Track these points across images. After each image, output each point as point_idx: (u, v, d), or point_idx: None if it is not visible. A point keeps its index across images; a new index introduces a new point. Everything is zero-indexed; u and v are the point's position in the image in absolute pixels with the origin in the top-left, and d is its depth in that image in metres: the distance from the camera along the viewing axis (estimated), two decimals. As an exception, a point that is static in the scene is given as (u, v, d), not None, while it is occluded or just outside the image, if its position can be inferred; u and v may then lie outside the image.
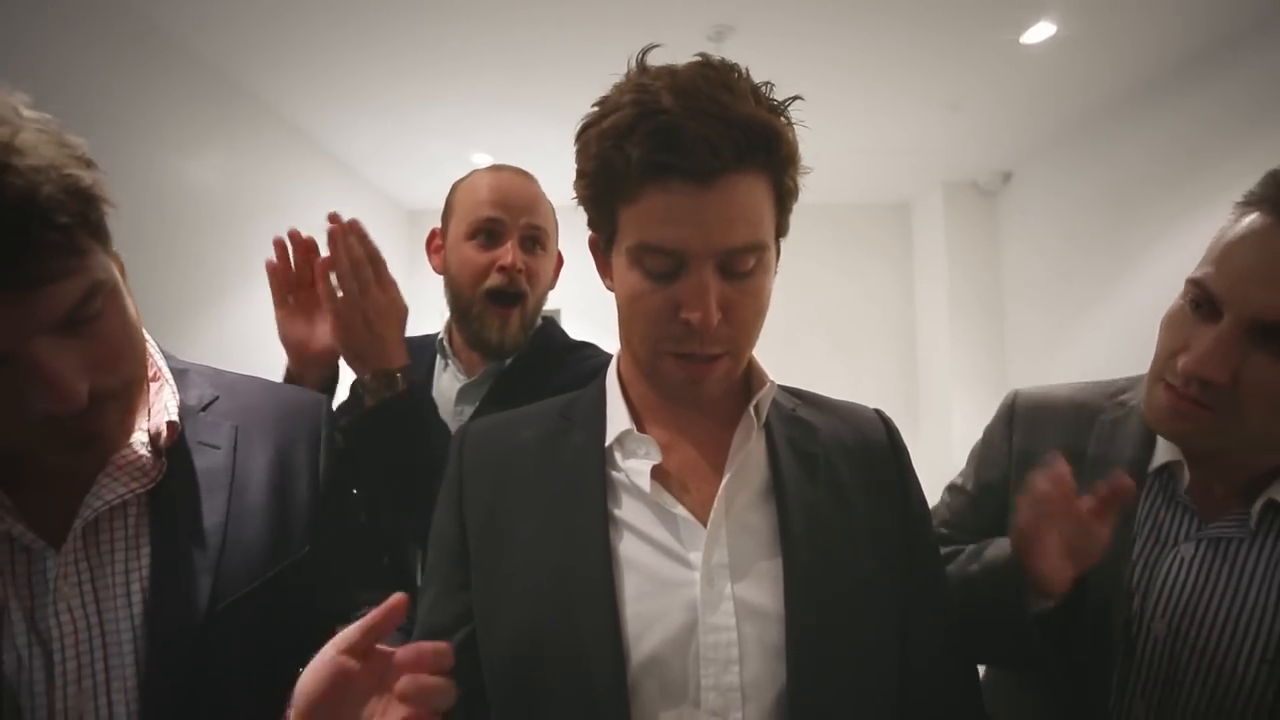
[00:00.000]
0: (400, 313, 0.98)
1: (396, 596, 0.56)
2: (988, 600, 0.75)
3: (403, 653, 0.55)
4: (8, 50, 2.12)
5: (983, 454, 0.96)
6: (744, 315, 0.64)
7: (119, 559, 0.63)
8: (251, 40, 2.92)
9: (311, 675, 0.55)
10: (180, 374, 0.74)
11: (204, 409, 0.73)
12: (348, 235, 0.93)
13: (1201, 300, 0.70)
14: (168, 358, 0.75)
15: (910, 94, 3.49)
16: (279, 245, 1.04)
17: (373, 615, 0.56)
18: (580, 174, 0.66)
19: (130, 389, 0.62)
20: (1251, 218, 0.68)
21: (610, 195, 0.64)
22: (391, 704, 0.55)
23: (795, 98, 0.64)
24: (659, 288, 0.62)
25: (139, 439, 0.66)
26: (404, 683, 0.54)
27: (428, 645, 0.56)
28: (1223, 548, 0.74)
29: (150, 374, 0.71)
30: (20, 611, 0.58)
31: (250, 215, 3.37)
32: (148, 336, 0.70)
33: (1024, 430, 0.90)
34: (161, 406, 0.69)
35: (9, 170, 0.49)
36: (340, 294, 0.94)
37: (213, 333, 3.09)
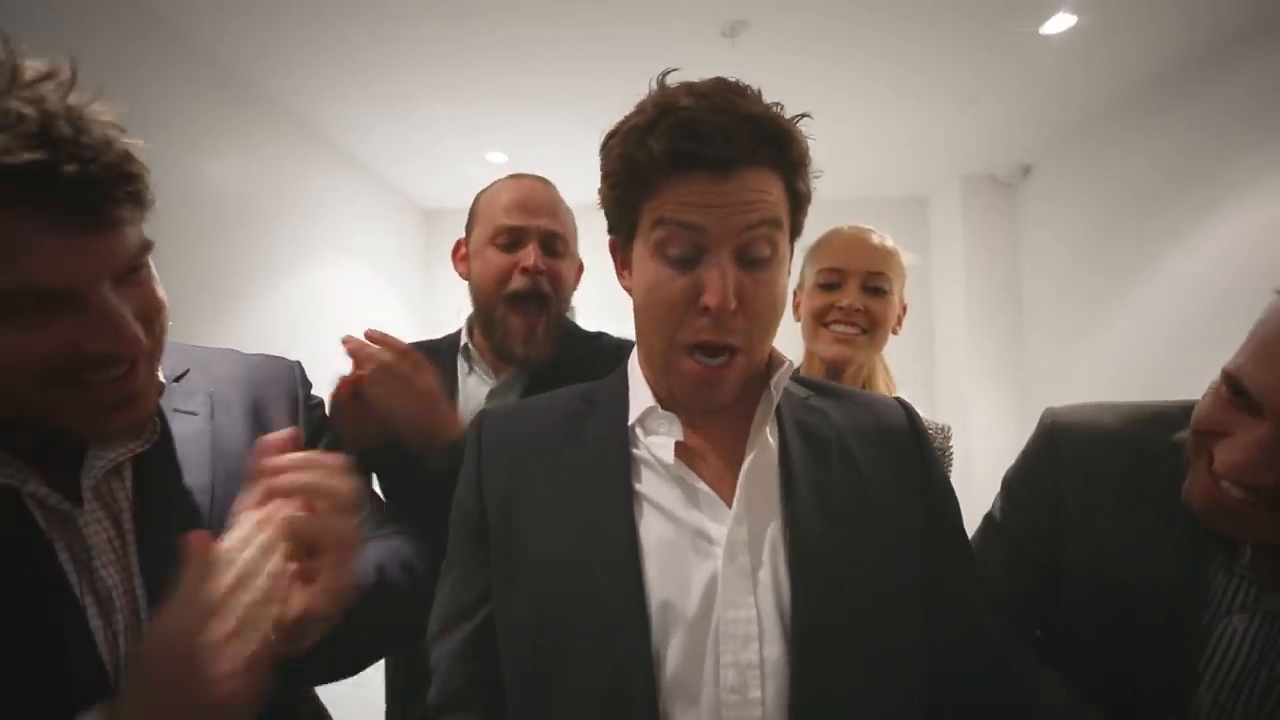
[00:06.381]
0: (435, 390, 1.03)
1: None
2: None
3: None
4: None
5: (1022, 489, 0.86)
6: (759, 307, 0.66)
7: (125, 518, 0.65)
8: (266, 39, 2.94)
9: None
10: None
11: (176, 380, 0.75)
12: (370, 345, 1.00)
13: (1238, 395, 0.64)
14: None
15: (927, 86, 3.44)
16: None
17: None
18: (605, 176, 0.69)
19: (157, 351, 0.66)
20: None
21: (634, 192, 0.67)
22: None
23: (803, 115, 0.69)
24: (678, 275, 0.65)
25: None
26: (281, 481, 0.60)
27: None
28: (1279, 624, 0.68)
29: None
30: (72, 564, 0.61)
31: (266, 215, 3.40)
32: None
33: (1073, 467, 0.81)
34: None
35: (94, 119, 0.55)
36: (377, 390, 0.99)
37: (229, 332, 3.12)
